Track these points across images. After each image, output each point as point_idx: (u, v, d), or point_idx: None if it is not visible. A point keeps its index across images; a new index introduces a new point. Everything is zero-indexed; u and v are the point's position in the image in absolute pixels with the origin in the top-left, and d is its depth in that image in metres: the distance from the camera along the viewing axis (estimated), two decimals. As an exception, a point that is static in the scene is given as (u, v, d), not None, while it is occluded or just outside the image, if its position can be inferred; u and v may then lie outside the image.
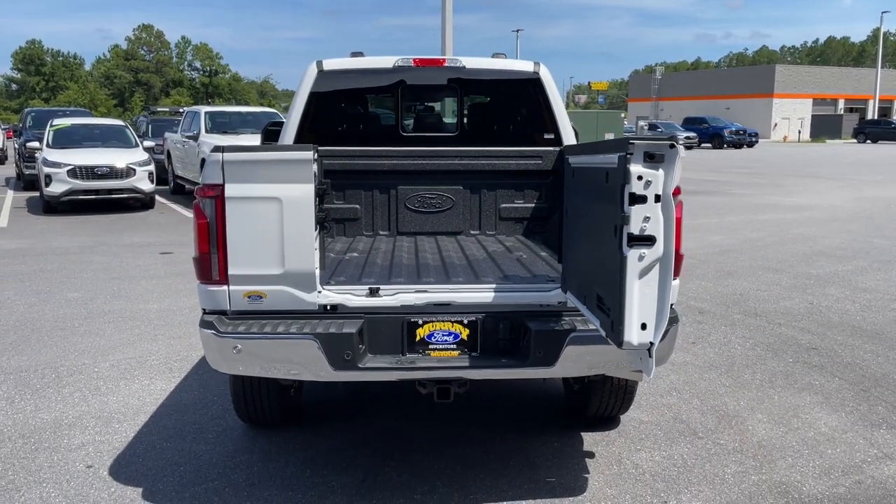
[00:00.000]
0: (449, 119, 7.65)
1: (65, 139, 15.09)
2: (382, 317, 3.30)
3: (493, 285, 3.37)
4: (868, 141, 51.86)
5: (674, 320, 3.27)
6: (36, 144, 15.44)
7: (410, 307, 3.31)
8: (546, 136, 4.94)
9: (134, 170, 14.14)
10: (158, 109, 27.31)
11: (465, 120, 5.60)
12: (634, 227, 2.25)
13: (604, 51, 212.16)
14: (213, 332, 3.16)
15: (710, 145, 45.56)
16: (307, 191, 3.14)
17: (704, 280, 8.27)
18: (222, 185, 3.12)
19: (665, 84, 75.59)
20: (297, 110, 4.88)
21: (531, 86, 4.98)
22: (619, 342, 2.34)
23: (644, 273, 2.29)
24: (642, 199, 2.24)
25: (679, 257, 3.32)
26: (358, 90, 5.42)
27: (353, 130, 5.53)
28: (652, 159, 2.23)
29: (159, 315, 6.81)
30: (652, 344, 2.34)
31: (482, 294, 3.33)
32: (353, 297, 3.31)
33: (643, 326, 2.30)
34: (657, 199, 2.26)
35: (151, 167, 14.65)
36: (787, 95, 66.38)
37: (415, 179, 4.94)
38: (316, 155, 3.30)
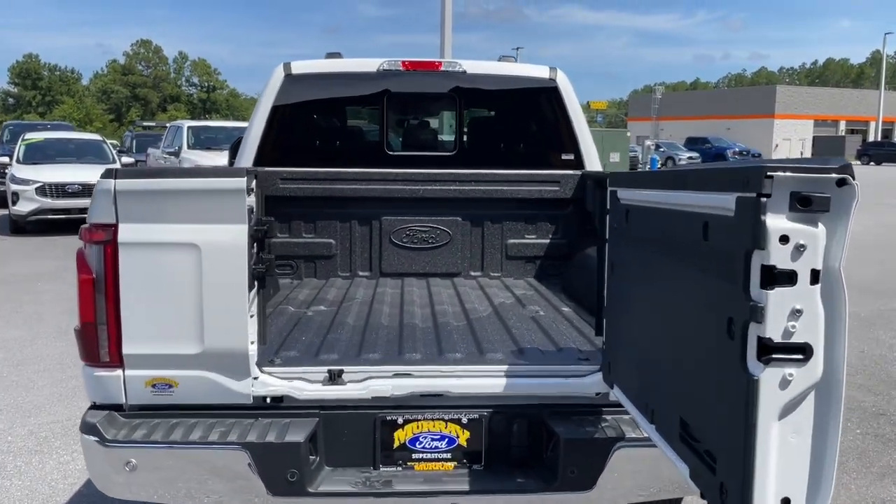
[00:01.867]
0: (446, 136, 6.68)
1: (37, 154, 14.12)
2: (346, 413, 2.33)
3: (504, 366, 2.41)
4: (872, 163, 51.09)
5: None
6: (6, 160, 14.47)
7: (386, 399, 2.34)
8: (564, 157, 4.04)
9: (108, 188, 13.16)
10: (145, 124, 26.28)
11: (466, 136, 4.66)
12: (773, 329, 1.26)
13: (603, 70, 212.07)
14: (96, 439, 2.18)
15: (712, 166, 44.75)
16: (238, 234, 2.18)
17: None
18: (115, 226, 2.17)
19: (665, 104, 74.99)
20: (258, 123, 3.97)
21: (546, 95, 4.08)
22: None
23: (790, 409, 1.31)
24: (789, 278, 1.26)
25: None
26: (334, 99, 4.48)
27: (327, 148, 4.58)
28: (807, 206, 1.25)
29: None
30: None
31: (489, 380, 2.36)
32: (306, 384, 2.34)
33: (785, 503, 1.32)
34: (815, 277, 1.28)
35: (128, 185, 13.68)
36: (788, 116, 65.82)
37: (403, 209, 4.04)
38: (254, 183, 2.35)
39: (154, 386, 2.24)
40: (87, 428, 2.21)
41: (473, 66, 4.07)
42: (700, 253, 1.51)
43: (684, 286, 1.60)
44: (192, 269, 2.16)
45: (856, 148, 57.34)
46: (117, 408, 2.28)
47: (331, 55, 4.26)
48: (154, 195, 2.17)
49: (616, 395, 2.20)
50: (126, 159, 15.25)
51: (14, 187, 12.83)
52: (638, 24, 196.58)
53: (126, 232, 2.16)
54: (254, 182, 2.34)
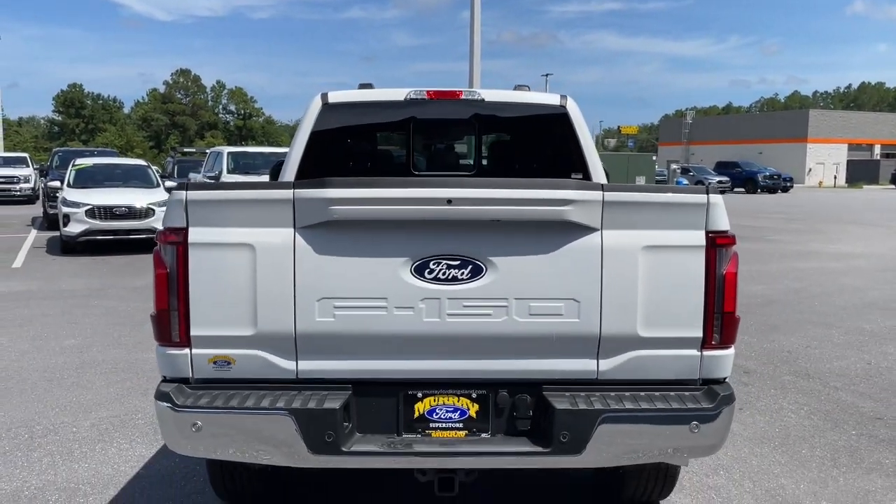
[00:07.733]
0: (467, 159, 7.22)
1: (86, 179, 14.95)
2: (374, 387, 2.76)
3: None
4: (907, 186, 50.49)
5: (729, 399, 2.69)
6: (57, 184, 15.32)
7: (409, 374, 2.76)
8: (574, 176, 4.46)
9: (153, 210, 13.87)
10: (186, 150, 27.32)
11: (484, 159, 5.13)
12: None
13: (634, 95, 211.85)
14: (168, 405, 2.65)
15: (743, 190, 44.65)
16: (285, 237, 2.64)
17: (747, 335, 7.56)
18: (185, 230, 2.65)
19: (696, 128, 75.00)
20: (298, 147, 4.46)
21: (558, 121, 4.51)
22: None
23: None
24: None
25: (734, 321, 2.76)
26: (366, 126, 4.98)
27: (360, 170, 5.08)
28: None
29: (156, 366, 6.31)
30: None
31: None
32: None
33: None
34: None
35: (171, 208, 14.38)
36: (821, 140, 65.30)
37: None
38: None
39: (215, 363, 2.70)
40: (161, 396, 2.68)
41: (491, 95, 4.52)
42: None
43: None
44: (248, 265, 2.62)
45: (891, 171, 56.69)
46: (185, 381, 2.74)
47: (363, 85, 4.76)
48: (217, 204, 2.64)
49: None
50: (169, 183, 15.99)
51: (65, 210, 13.61)
52: (670, 49, 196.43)
53: (195, 234, 2.63)
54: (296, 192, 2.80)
